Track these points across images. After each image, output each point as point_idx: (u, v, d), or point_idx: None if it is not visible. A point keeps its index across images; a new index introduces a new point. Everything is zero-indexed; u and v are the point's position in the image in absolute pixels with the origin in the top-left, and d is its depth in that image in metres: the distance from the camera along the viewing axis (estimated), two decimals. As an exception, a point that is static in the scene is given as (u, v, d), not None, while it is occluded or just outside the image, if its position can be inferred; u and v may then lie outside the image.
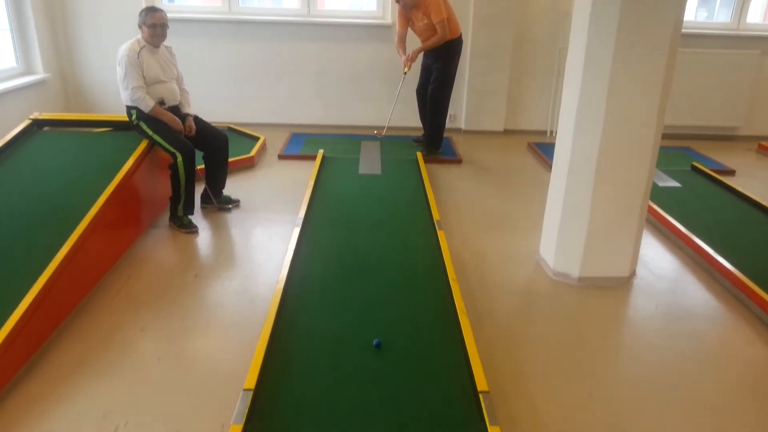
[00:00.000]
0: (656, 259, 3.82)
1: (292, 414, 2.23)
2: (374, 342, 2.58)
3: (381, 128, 6.10)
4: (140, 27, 3.92)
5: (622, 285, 3.45)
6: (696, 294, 3.41)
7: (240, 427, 2.08)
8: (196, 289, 3.26)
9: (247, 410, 2.16)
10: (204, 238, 3.97)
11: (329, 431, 2.16)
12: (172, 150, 3.88)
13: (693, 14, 7.17)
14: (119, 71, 3.85)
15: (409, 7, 5.41)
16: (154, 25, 3.88)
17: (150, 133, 3.93)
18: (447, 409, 2.30)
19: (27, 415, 2.28)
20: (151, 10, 3.91)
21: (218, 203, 4.37)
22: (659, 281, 3.54)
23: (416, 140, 6.22)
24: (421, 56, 5.70)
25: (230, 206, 4.40)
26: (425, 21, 5.38)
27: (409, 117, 6.26)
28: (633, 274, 3.55)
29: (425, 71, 5.77)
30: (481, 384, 2.35)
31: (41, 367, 2.56)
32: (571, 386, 2.57)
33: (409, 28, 5.64)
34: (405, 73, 5.71)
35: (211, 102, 6.17)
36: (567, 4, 6.46)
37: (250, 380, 2.32)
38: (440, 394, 2.38)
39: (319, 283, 3.22)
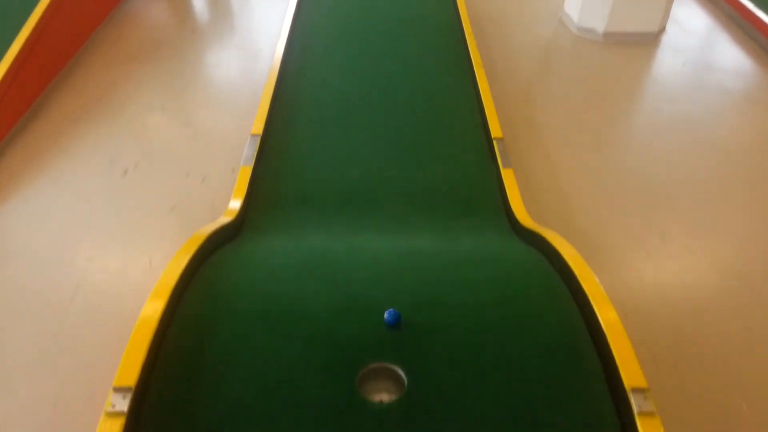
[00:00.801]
0: (689, 16, 3.52)
1: (300, 158, 2.19)
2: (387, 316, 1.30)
3: None
4: None
5: (649, 41, 3.21)
6: (728, 51, 3.19)
7: (249, 168, 2.04)
8: (194, 45, 3.07)
9: (255, 153, 2.11)
10: (198, -6, 3.66)
11: (341, 175, 2.12)
12: None
13: None
14: None
15: None
16: None
17: None
18: (461, 153, 2.25)
19: (29, 166, 2.24)
20: None
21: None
22: (690, 37, 3.28)
23: None
24: None
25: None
26: None
27: None
28: (662, 30, 3.28)
29: None
30: (495, 131, 2.27)
31: (39, 121, 2.48)
32: (586, 136, 2.50)
33: None
34: None
35: None
36: None
37: (258, 126, 2.24)
38: (454, 141, 2.32)
39: (325, 38, 3.00)
